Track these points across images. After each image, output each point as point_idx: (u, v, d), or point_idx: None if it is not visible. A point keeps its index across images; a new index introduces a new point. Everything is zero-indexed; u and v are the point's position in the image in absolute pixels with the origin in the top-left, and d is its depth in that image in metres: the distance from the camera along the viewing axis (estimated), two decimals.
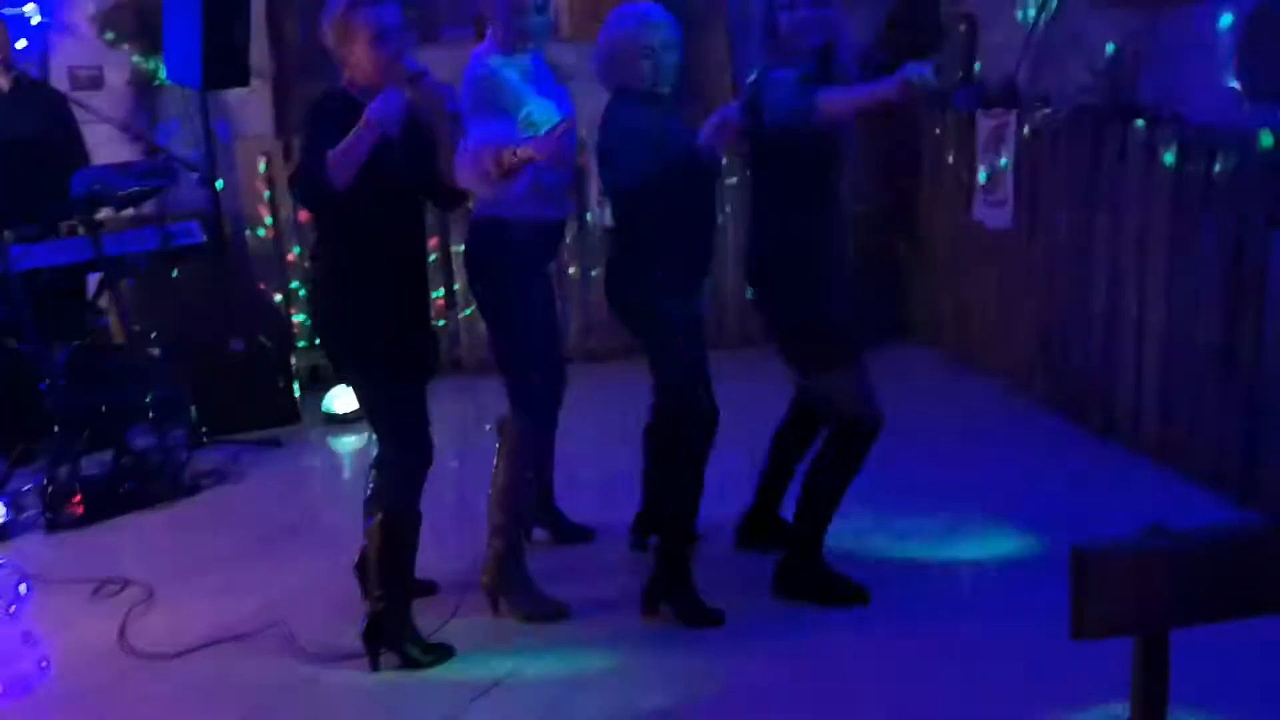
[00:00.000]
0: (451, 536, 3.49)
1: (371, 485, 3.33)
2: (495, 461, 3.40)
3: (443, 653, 3.16)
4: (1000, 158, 5.20)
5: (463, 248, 3.47)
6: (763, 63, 3.18)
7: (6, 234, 4.36)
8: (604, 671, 3.10)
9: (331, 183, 2.72)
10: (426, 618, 3.22)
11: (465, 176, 3.15)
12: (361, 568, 3.34)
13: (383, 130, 2.73)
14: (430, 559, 3.35)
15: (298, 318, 5.78)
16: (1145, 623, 1.66)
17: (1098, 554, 1.65)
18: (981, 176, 5.36)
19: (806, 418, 3.56)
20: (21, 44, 5.39)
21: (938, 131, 5.81)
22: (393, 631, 3.11)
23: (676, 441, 3.31)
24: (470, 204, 3.42)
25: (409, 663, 3.12)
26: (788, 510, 3.57)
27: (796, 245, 3.23)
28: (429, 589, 3.45)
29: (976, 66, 5.76)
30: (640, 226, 3.23)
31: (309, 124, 2.93)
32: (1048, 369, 5.03)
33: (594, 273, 5.70)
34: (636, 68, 3.16)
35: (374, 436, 3.15)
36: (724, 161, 3.32)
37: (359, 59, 2.90)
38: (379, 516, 3.08)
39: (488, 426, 3.51)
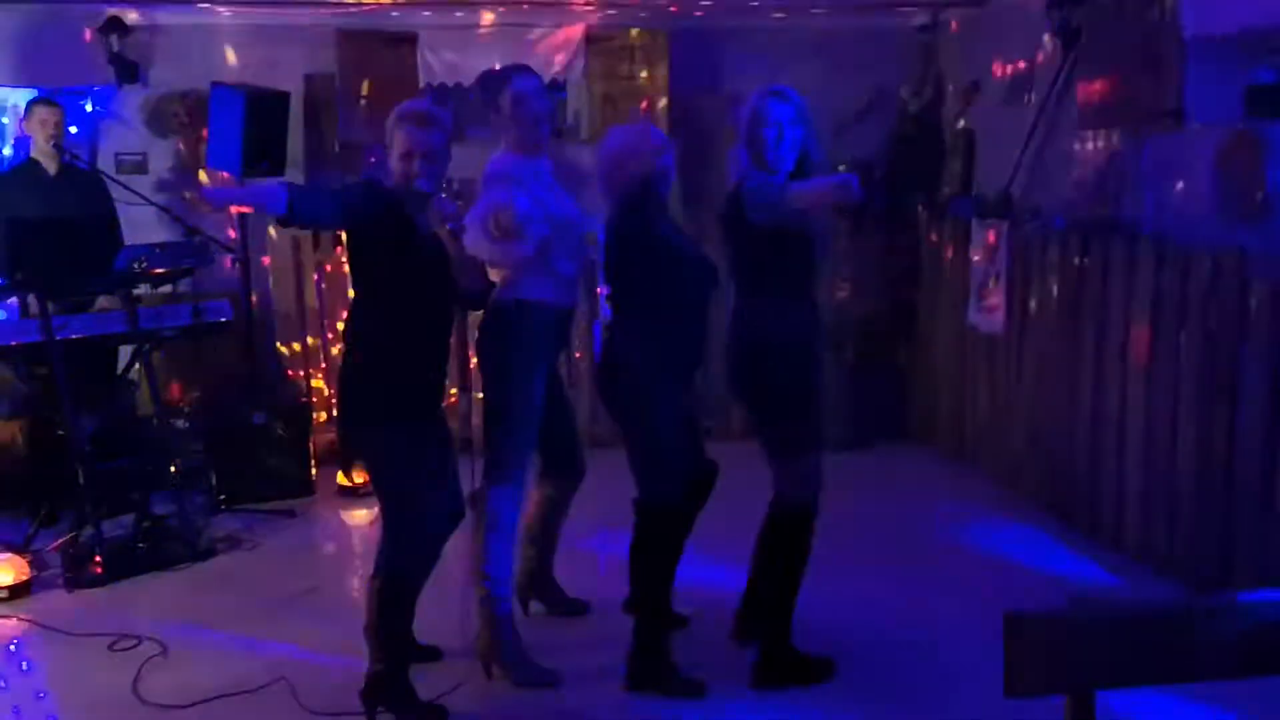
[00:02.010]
0: (457, 605, 3.65)
1: None
2: (474, 534, 3.57)
3: (437, 715, 3.31)
4: (993, 266, 5.45)
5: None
6: (740, 173, 3.44)
7: (49, 306, 4.61)
8: None
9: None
10: (429, 680, 3.38)
11: (475, 245, 3.41)
12: (369, 630, 3.52)
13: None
14: (437, 626, 3.54)
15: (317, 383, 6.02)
16: (1073, 682, 1.83)
17: (1030, 618, 1.83)
18: (975, 283, 5.61)
19: None
20: (73, 129, 5.75)
21: (936, 239, 6.09)
22: (389, 692, 3.27)
23: (649, 531, 3.46)
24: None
25: None
26: None
27: (772, 336, 3.44)
28: (433, 655, 3.61)
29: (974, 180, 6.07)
30: (635, 326, 3.44)
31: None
32: (1037, 470, 5.20)
33: None
34: (633, 178, 3.42)
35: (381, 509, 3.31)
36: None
37: (393, 163, 3.21)
38: (376, 581, 3.26)
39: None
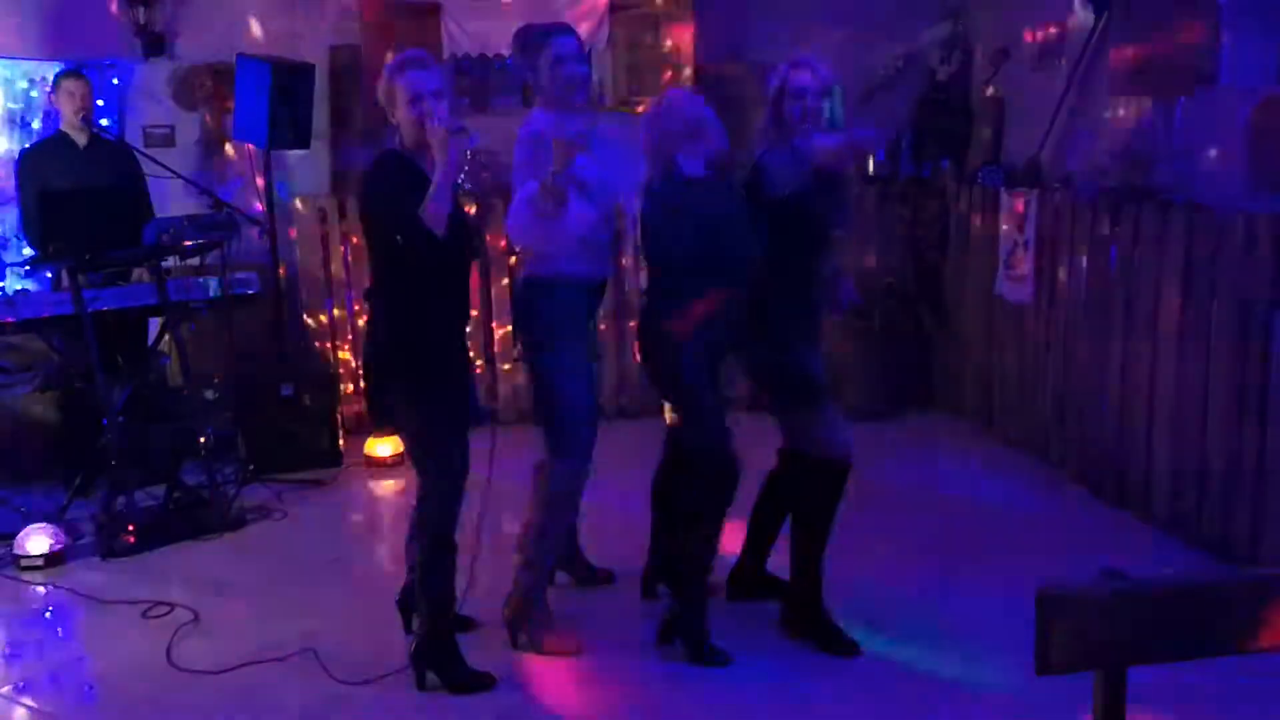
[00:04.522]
0: (480, 574, 3.68)
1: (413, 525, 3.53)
2: (530, 503, 3.60)
3: (485, 680, 3.33)
4: (1022, 234, 5.40)
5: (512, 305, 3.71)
6: (763, 146, 3.44)
7: (80, 278, 4.65)
8: (616, 705, 3.27)
9: (434, 236, 3.01)
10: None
11: (520, 228, 3.39)
12: (403, 601, 3.56)
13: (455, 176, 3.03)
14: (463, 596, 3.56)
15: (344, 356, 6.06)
16: (1105, 659, 1.81)
17: (1061, 595, 1.81)
18: (1004, 252, 5.55)
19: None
20: (100, 102, 5.77)
21: (964, 207, 6.03)
22: (438, 655, 3.30)
23: (700, 495, 3.49)
24: (520, 261, 3.65)
25: (451, 687, 3.29)
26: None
27: (772, 300, 3.45)
28: (467, 624, 3.63)
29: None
30: (672, 293, 3.43)
31: (383, 188, 3.16)
32: (1065, 440, 5.17)
33: (632, 324, 5.96)
34: (674, 143, 3.40)
35: (418, 472, 3.33)
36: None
37: (400, 119, 3.17)
38: (424, 545, 3.27)
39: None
